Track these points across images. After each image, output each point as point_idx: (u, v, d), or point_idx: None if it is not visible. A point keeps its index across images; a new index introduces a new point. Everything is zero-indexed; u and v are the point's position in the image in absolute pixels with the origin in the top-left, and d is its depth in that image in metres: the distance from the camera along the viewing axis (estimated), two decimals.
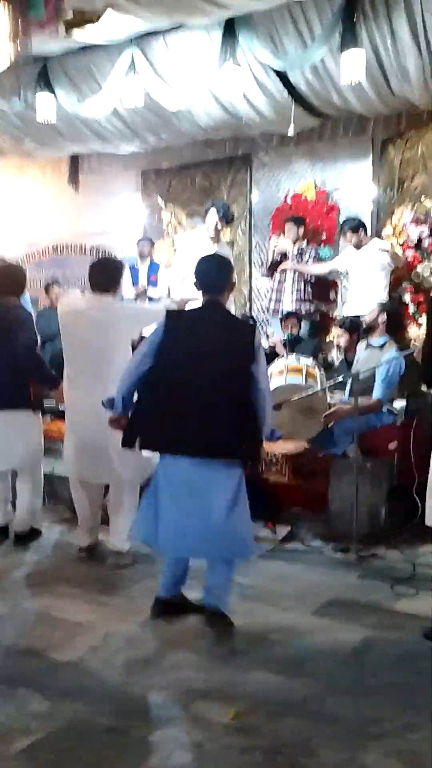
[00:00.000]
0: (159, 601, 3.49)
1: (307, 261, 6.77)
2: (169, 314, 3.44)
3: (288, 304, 6.74)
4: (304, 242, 6.89)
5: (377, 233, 6.66)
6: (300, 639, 3.29)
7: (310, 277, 6.74)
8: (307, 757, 2.39)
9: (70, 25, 5.02)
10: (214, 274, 3.39)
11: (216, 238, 5.87)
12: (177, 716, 2.64)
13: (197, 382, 3.22)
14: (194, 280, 3.39)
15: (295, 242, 6.87)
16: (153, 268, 7.31)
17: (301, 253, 6.82)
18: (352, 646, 3.22)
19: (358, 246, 6.25)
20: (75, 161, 8.84)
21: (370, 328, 5.13)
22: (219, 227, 5.83)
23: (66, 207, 9.09)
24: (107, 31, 5.51)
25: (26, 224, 9.39)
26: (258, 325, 7.42)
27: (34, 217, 9.37)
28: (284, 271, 6.80)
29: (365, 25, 4.98)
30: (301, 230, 6.88)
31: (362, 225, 6.32)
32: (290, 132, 5.95)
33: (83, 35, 5.39)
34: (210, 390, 3.21)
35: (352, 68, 5.04)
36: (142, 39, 5.81)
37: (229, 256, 6.38)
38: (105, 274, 4.22)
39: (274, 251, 7.04)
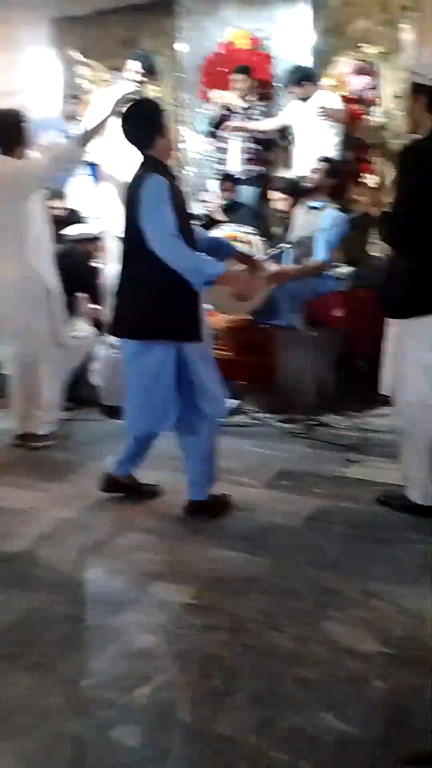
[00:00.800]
0: (107, 476, 3.39)
1: (257, 118, 6.20)
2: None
3: (235, 167, 6.25)
4: (253, 97, 6.32)
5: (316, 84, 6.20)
6: (254, 513, 3.24)
7: (260, 135, 6.22)
8: (272, 631, 2.36)
9: None
10: (132, 123, 3.02)
11: (139, 93, 5.34)
12: (136, 599, 2.56)
13: (125, 254, 3.07)
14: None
15: (243, 96, 6.29)
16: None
17: (249, 109, 6.25)
18: (307, 516, 3.19)
19: (304, 98, 5.80)
20: None
21: (314, 190, 4.86)
22: (140, 80, 5.27)
23: None
24: None
25: None
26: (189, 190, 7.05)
27: None
28: (227, 129, 6.26)
29: None
30: (250, 82, 6.27)
31: (311, 74, 5.84)
32: None
33: None
34: (128, 262, 3.04)
35: None
36: None
37: None
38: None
39: (220, 107, 6.43)
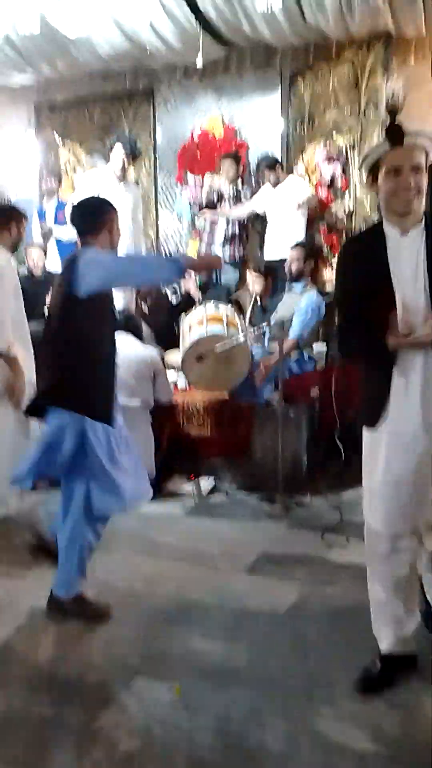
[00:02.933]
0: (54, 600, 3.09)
1: (243, 202, 6.38)
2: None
3: (218, 249, 6.43)
4: (239, 182, 6.51)
5: (288, 171, 6.45)
6: (234, 601, 3.19)
7: (244, 219, 6.42)
8: (259, 729, 2.29)
9: None
10: (79, 215, 3.13)
11: (122, 177, 5.51)
12: (118, 698, 2.48)
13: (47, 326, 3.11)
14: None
15: (232, 182, 6.48)
16: (60, 206, 6.82)
17: (238, 195, 6.44)
18: (289, 603, 3.14)
19: (275, 184, 6.03)
20: None
21: (297, 274, 5.05)
22: (125, 164, 5.45)
23: None
24: None
25: None
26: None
27: None
28: (214, 213, 6.46)
29: None
30: (239, 168, 6.49)
31: (278, 162, 6.09)
32: (198, 62, 5.59)
33: None
34: (48, 333, 3.09)
35: None
36: None
37: (136, 196, 6.07)
38: None
39: (208, 191, 6.63)
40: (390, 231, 2.37)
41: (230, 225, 6.40)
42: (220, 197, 6.52)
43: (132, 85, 7.13)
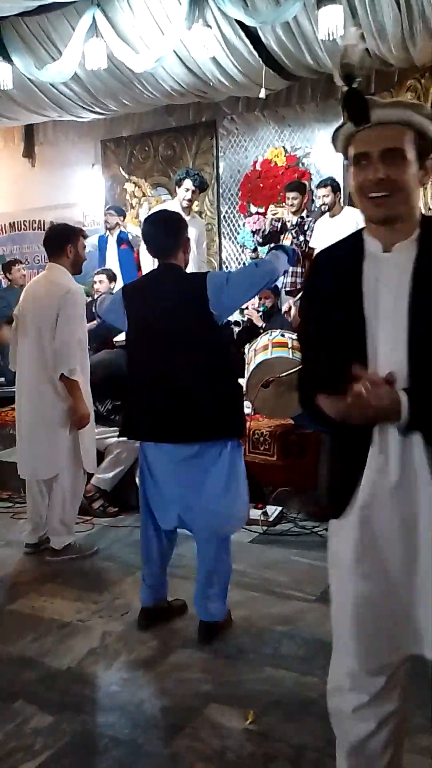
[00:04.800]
0: (144, 610, 3.21)
1: (307, 233, 6.36)
2: (123, 289, 3.19)
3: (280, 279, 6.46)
4: (304, 213, 6.52)
5: (350, 202, 6.47)
6: (306, 630, 3.14)
7: (306, 249, 6.45)
8: (333, 759, 2.24)
9: None
10: (161, 235, 3.00)
11: (188, 210, 5.61)
12: (191, 723, 2.46)
13: (159, 357, 2.93)
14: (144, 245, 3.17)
15: (296, 212, 6.49)
16: (123, 236, 7.00)
17: (300, 225, 6.41)
18: None
19: (332, 213, 6.04)
20: (29, 133, 8.45)
21: None
22: (192, 198, 5.57)
23: (22, 181, 8.70)
24: None
25: None
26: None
27: None
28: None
29: None
30: (303, 198, 6.49)
31: (335, 183, 6.10)
32: (261, 94, 5.70)
33: None
34: (173, 364, 2.90)
35: (329, 25, 4.79)
36: None
37: (201, 228, 6.16)
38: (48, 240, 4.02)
39: (271, 221, 6.71)
40: (370, 245, 1.68)
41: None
42: (284, 227, 6.56)
43: (195, 118, 7.31)
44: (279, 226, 6.54)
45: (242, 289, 2.93)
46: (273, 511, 4.58)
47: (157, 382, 2.93)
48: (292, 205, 6.44)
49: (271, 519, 4.50)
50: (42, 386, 3.86)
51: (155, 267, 3.05)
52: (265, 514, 4.53)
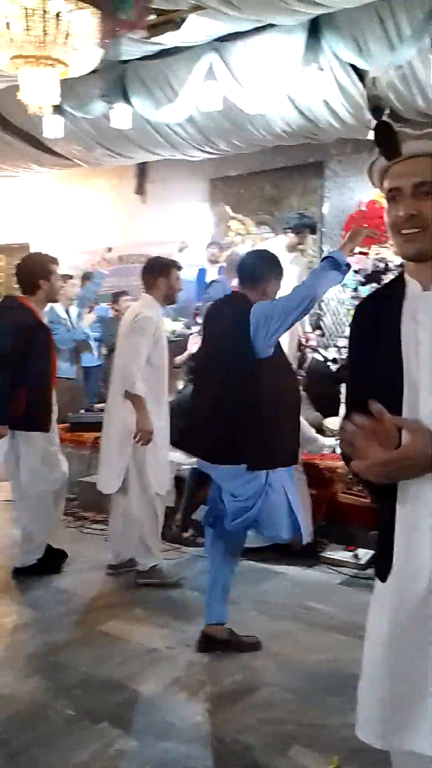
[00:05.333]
0: (202, 633, 3.26)
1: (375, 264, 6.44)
2: (207, 310, 3.45)
3: None
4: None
5: None
6: None
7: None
8: None
9: (150, 29, 4.88)
10: (248, 264, 3.23)
11: (293, 248, 5.70)
12: (273, 763, 2.42)
13: (205, 377, 3.24)
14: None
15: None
16: (221, 271, 7.15)
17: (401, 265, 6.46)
18: None
19: None
20: (142, 170, 8.79)
21: None
22: (299, 241, 5.68)
23: (132, 216, 9.03)
24: (185, 35, 5.37)
25: (92, 234, 9.35)
26: (328, 336, 7.25)
27: (100, 227, 9.32)
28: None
29: None
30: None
31: None
32: (370, 136, 5.70)
33: (161, 38, 5.26)
34: (212, 385, 3.14)
35: None
36: (220, 42, 5.65)
37: (302, 267, 6.19)
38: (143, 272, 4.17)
39: (374, 261, 6.72)
40: (411, 285, 1.57)
41: None
42: (387, 268, 6.52)
43: (302, 159, 7.40)
44: (383, 267, 6.50)
45: (277, 320, 2.96)
46: (365, 554, 4.48)
47: (201, 398, 3.22)
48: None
49: (362, 562, 4.40)
50: (116, 404, 4.03)
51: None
52: (356, 556, 4.44)
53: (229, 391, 3.02)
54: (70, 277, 6.65)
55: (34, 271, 4.10)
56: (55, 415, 4.17)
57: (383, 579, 1.55)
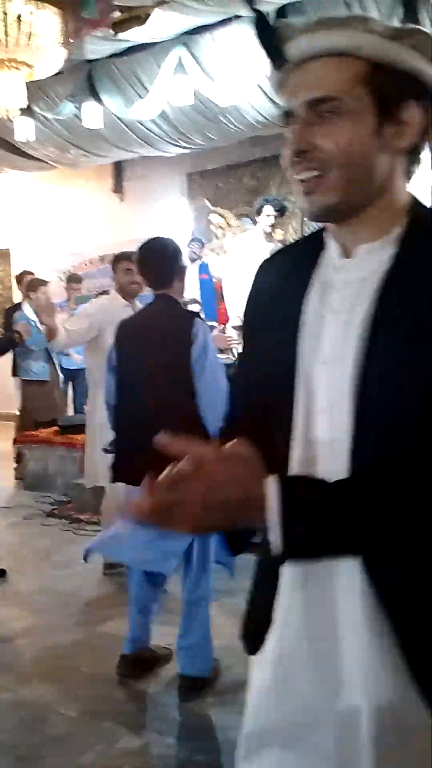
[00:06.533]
0: (124, 658, 2.96)
1: None
2: (121, 323, 2.95)
3: None
4: None
5: None
6: None
7: None
8: None
9: (116, 27, 4.87)
10: (155, 262, 2.82)
11: (270, 236, 5.69)
12: None
13: (138, 400, 2.74)
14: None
15: None
16: (203, 267, 7.13)
17: None
18: None
19: None
20: (119, 169, 8.76)
21: None
22: (274, 223, 5.66)
23: (111, 215, 9.00)
24: (152, 30, 5.36)
25: (72, 235, 9.33)
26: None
27: (80, 228, 9.29)
28: None
29: (427, 9, 4.72)
30: None
31: None
32: None
33: (128, 35, 5.24)
34: (147, 408, 2.67)
35: None
36: (188, 36, 5.64)
37: None
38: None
39: None
40: (330, 247, 1.08)
41: None
42: None
43: (280, 149, 7.36)
44: None
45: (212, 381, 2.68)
46: None
47: (134, 421, 2.75)
48: None
49: None
50: (95, 399, 4.02)
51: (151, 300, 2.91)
52: None
53: (171, 409, 2.61)
54: (45, 283, 6.58)
55: None
56: None
57: (251, 650, 1.14)
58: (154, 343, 2.74)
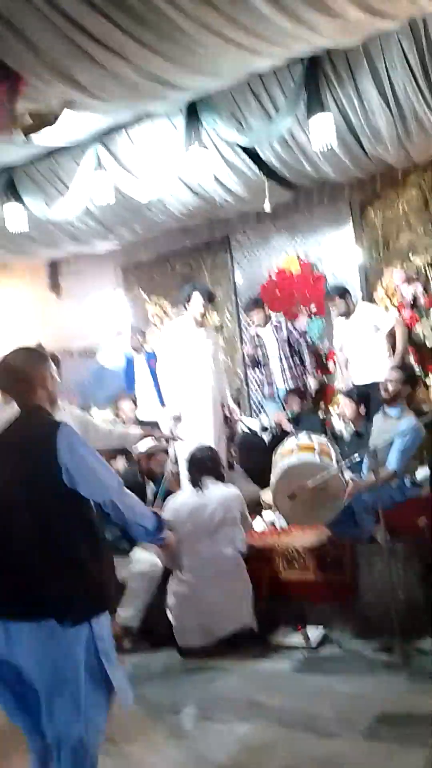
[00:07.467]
0: None
1: (289, 331, 6.54)
2: None
3: (280, 383, 6.46)
4: (273, 316, 6.68)
5: (369, 297, 6.42)
6: None
7: (298, 349, 6.48)
8: None
9: (28, 131, 4.87)
10: (12, 380, 2.57)
11: (201, 322, 5.62)
12: None
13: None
14: None
15: (266, 324, 6.62)
16: (150, 355, 7.03)
17: (277, 328, 6.56)
18: None
19: (347, 315, 6.02)
20: (54, 266, 8.74)
21: (393, 398, 4.81)
22: (204, 310, 5.60)
23: (50, 312, 8.91)
24: (68, 132, 5.39)
25: (11, 334, 9.19)
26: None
27: (18, 327, 9.17)
28: (265, 353, 6.58)
29: (330, 90, 4.83)
30: (265, 310, 6.71)
31: (346, 291, 6.11)
32: (266, 208, 5.75)
33: (44, 139, 5.26)
34: (13, 532, 2.38)
35: (321, 133, 4.86)
36: (104, 135, 5.69)
37: (216, 340, 6.11)
38: None
39: (253, 339, 6.82)
40: None
41: (287, 358, 6.54)
42: (303, 334, 6.62)
43: (209, 236, 7.45)
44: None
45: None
46: (316, 634, 4.24)
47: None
48: (261, 321, 6.62)
49: (313, 644, 4.16)
50: None
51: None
52: (306, 638, 4.20)
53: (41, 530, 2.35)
54: None
55: None
56: None
57: None
58: (15, 466, 2.43)
